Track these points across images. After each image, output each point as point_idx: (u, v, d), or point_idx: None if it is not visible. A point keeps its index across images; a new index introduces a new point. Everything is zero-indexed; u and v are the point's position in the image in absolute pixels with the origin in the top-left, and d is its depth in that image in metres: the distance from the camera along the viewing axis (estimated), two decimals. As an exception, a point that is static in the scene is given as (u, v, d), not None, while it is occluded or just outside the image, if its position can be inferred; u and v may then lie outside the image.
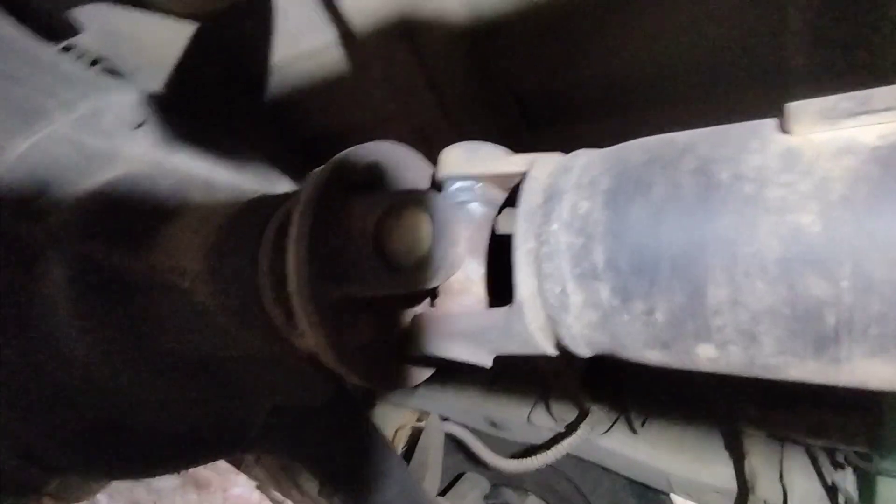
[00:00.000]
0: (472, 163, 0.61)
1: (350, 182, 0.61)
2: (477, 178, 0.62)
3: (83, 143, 0.84)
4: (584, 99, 1.14)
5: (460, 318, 0.60)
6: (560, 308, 0.50)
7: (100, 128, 0.90)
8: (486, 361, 0.59)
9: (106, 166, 0.84)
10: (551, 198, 0.52)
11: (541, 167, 0.56)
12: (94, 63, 1.41)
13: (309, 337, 0.57)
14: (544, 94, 1.20)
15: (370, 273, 0.58)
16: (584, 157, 0.54)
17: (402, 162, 0.66)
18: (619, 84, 1.07)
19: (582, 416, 1.69)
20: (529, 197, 0.53)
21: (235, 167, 1.00)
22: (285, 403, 0.90)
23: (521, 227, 0.52)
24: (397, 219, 0.58)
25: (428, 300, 0.68)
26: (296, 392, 0.84)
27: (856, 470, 1.30)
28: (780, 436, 1.38)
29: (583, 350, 0.52)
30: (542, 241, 0.51)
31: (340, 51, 1.38)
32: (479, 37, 1.13)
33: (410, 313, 0.66)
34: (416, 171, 0.68)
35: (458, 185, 0.63)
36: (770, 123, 0.45)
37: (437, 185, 0.64)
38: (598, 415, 1.66)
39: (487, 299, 0.62)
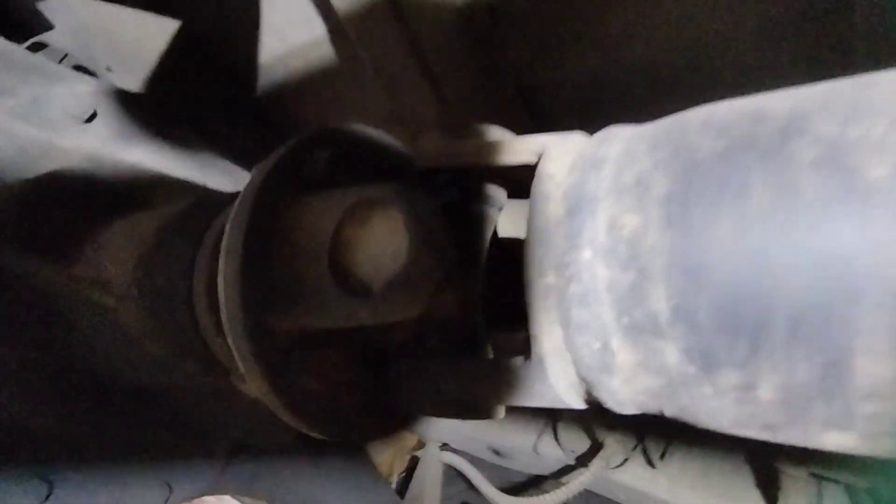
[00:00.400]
0: (459, 150, 0.47)
1: (306, 177, 0.47)
2: (467, 169, 0.48)
3: (18, 133, 0.71)
4: (595, 90, 1.01)
5: (460, 371, 0.45)
6: (600, 369, 0.36)
7: (41, 117, 0.77)
8: (495, 416, 0.44)
9: (41, 160, 0.71)
10: (578, 208, 0.36)
11: (556, 158, 0.41)
12: (63, 59, 1.32)
13: (250, 383, 0.43)
14: (551, 86, 1.07)
15: (324, 300, 0.43)
16: (620, 143, 0.38)
17: (375, 151, 0.52)
18: (639, 71, 0.94)
19: (594, 449, 1.55)
20: (544, 207, 0.38)
21: (202, 167, 0.87)
22: (247, 442, 0.76)
23: (535, 253, 0.37)
24: (362, 224, 0.43)
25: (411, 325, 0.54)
26: (257, 429, 0.70)
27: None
28: (824, 475, 1.22)
29: (630, 411, 0.38)
30: (568, 276, 0.35)
31: (331, 46, 1.28)
32: (479, 24, 1.01)
33: (390, 342, 0.52)
34: (394, 162, 0.54)
35: (443, 177, 0.50)
36: None
37: (417, 179, 0.50)
38: (613, 447, 1.51)
39: (486, 325, 0.48)
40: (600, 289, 0.34)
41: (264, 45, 1.34)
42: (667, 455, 1.52)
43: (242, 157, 1.11)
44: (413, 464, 1.79)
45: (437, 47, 1.02)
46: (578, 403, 0.39)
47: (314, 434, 0.44)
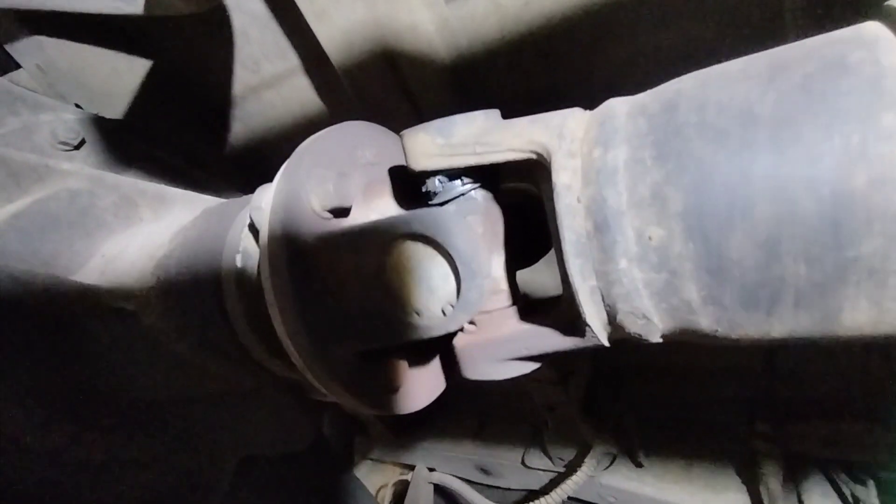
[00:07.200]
0: (453, 150, 0.48)
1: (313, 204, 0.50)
2: (467, 169, 0.50)
3: (8, 159, 0.72)
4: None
5: (513, 344, 0.49)
6: (646, 334, 0.42)
7: (31, 144, 0.78)
8: (535, 366, 0.50)
9: (37, 183, 0.71)
10: (606, 225, 0.39)
11: (566, 165, 0.42)
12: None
13: (331, 396, 0.47)
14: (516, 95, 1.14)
15: (391, 326, 0.47)
16: (625, 147, 0.40)
17: (358, 146, 0.56)
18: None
19: (582, 453, 1.57)
20: (572, 221, 0.41)
21: (194, 187, 0.89)
22: (259, 451, 0.75)
23: (575, 262, 0.41)
24: (402, 254, 0.47)
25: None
26: (272, 436, 0.70)
27: (878, 482, 1.22)
28: (795, 451, 1.29)
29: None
30: (609, 281, 0.40)
31: (305, 76, 1.32)
32: (460, 65, 1.07)
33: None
34: (373, 147, 0.58)
35: (441, 176, 0.51)
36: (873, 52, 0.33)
37: (414, 179, 0.52)
38: (600, 450, 1.54)
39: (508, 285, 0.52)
40: (639, 287, 0.39)
41: (237, 77, 1.36)
42: (652, 453, 1.56)
43: (229, 180, 1.12)
44: (404, 488, 1.77)
45: (423, 88, 1.08)
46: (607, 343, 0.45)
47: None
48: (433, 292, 0.46)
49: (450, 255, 0.45)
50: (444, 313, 0.46)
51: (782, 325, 0.36)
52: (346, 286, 0.47)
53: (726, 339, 0.39)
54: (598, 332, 0.43)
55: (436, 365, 0.56)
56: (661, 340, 0.42)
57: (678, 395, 1.50)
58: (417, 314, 0.46)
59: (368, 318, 0.47)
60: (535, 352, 0.47)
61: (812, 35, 0.39)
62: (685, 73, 0.43)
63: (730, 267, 0.36)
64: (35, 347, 0.60)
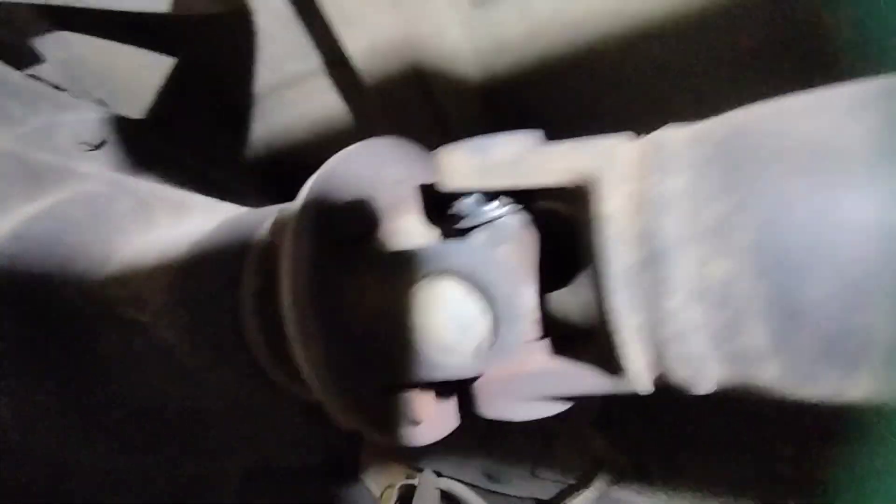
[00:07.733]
0: (489, 171, 0.45)
1: (334, 231, 0.49)
2: (503, 191, 0.47)
3: (28, 159, 0.71)
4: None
5: (539, 382, 0.45)
6: (698, 380, 0.37)
7: (51, 144, 0.78)
8: (560, 407, 0.47)
9: (56, 185, 0.71)
10: (663, 254, 0.35)
11: (611, 195, 0.38)
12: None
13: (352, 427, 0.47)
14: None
15: (420, 364, 0.45)
16: (686, 173, 0.36)
17: (385, 164, 0.55)
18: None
19: (594, 467, 1.55)
20: (618, 252, 0.37)
21: (216, 192, 0.88)
22: (265, 463, 0.74)
23: (621, 296, 0.37)
24: (432, 290, 0.44)
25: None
26: (279, 449, 0.69)
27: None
28: (821, 476, 1.25)
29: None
30: (661, 318, 0.36)
31: (327, 77, 1.32)
32: (488, 77, 1.05)
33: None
34: (400, 165, 0.56)
35: (475, 197, 0.48)
36: None
37: (443, 198, 0.50)
38: (612, 464, 1.52)
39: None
40: (695, 327, 0.35)
41: (260, 77, 1.36)
42: (666, 469, 1.54)
43: (251, 184, 1.12)
44: (409, 492, 1.76)
45: (453, 104, 1.07)
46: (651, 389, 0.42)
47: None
48: (466, 331, 0.44)
49: (489, 294, 0.43)
50: (475, 353, 0.44)
51: (866, 383, 0.32)
52: (373, 319, 0.46)
53: (790, 395, 0.35)
54: (641, 376, 0.39)
55: (456, 396, 0.55)
56: (710, 391, 0.39)
57: (696, 413, 1.47)
58: (449, 353, 0.44)
59: (396, 354, 0.45)
60: (562, 393, 0.44)
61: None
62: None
63: (807, 311, 0.31)
64: (49, 351, 0.59)
